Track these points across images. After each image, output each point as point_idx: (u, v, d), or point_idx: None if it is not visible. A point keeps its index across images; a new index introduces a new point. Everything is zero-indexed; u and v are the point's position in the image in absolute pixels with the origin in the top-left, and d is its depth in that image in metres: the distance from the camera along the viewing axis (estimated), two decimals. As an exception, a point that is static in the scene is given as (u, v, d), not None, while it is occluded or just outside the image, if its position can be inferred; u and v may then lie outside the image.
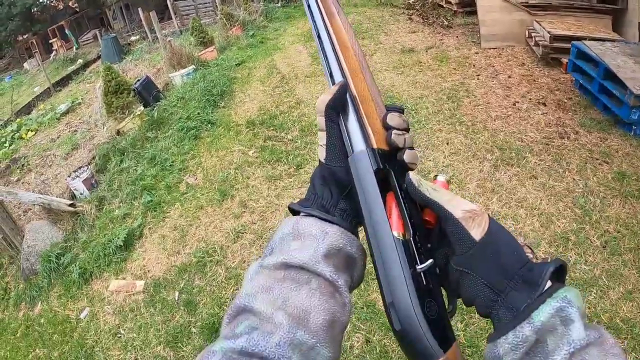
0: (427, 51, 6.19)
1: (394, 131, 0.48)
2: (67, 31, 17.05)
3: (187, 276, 3.17)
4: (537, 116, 4.15)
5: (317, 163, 0.51)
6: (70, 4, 20.43)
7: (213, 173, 4.25)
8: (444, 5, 8.53)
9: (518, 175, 3.36)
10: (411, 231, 0.45)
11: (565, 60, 5.05)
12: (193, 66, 7.28)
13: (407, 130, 0.49)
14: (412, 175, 0.46)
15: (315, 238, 0.45)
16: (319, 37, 0.55)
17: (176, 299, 3.04)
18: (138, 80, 6.41)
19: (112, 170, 4.65)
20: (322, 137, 0.49)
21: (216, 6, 12.06)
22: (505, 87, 4.77)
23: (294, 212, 0.50)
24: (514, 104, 4.40)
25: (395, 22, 8.30)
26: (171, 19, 13.71)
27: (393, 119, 0.49)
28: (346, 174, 0.47)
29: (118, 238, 3.54)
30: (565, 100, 4.41)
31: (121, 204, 4.16)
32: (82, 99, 8.87)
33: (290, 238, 0.46)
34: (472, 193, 3.21)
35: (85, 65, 13.25)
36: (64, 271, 3.60)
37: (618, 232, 2.81)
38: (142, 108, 5.80)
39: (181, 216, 3.78)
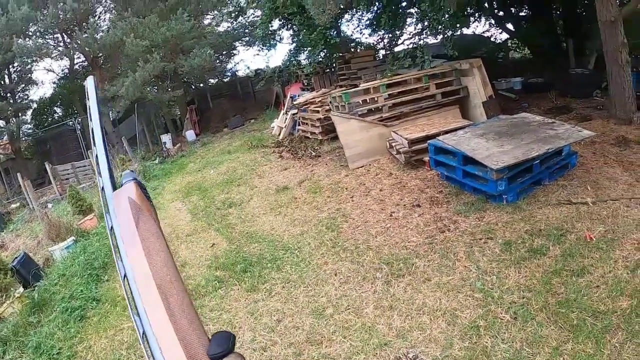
0: (300, 185, 7.15)
1: None
2: (-60, 198, 17.53)
3: None
4: (415, 219, 4.93)
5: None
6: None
7: (104, 357, 4.18)
8: (310, 137, 9.94)
9: (412, 284, 3.88)
10: None
11: (426, 158, 6.17)
12: (73, 238, 7.66)
13: None
14: None
15: None
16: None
17: None
18: (16, 258, 6.65)
19: (-5, 364, 4.49)
20: None
21: (93, 170, 12.99)
22: (379, 201, 5.63)
23: None
24: (391, 215, 5.20)
25: (267, 162, 9.57)
26: (52, 182, 14.60)
27: None
28: None
29: None
30: (437, 195, 5.32)
31: (6, 406, 3.89)
32: (-43, 275, 8.62)
33: None
34: (372, 317, 3.59)
35: (-37, 235, 13.55)
36: None
37: (523, 297, 3.38)
38: (21, 290, 5.93)
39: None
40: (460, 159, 5.25)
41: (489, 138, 5.58)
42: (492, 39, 16.01)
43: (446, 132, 6.32)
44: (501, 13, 13.30)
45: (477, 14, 13.57)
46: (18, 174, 13.55)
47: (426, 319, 3.43)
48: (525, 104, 9.07)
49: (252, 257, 5.16)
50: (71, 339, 4.70)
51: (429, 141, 6.01)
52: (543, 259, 3.75)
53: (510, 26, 13.47)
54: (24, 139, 22.22)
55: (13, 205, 15.37)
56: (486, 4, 12.56)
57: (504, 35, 15.22)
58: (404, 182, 6.05)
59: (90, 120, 0.81)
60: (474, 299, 3.50)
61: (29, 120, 22.79)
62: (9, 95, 19.79)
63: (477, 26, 15.25)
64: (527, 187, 5.04)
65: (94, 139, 0.80)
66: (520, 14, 13.52)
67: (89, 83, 0.86)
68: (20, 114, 20.21)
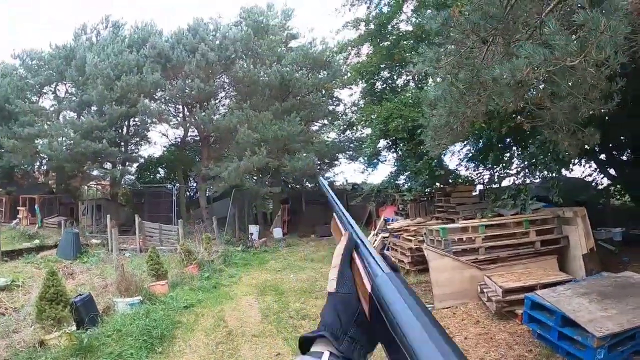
0: (377, 321, 7.01)
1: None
2: (36, 206, 19.97)
3: None
4: (498, 380, 4.70)
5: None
6: (50, 182, 24.03)
7: None
8: (397, 265, 9.95)
9: None
10: None
11: (519, 311, 6.01)
12: (140, 297, 7.88)
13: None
14: None
15: None
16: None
17: None
18: (79, 295, 6.88)
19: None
20: (333, 273, 0.69)
21: (178, 239, 13.99)
22: (461, 351, 5.42)
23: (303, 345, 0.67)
24: (472, 370, 4.99)
25: (350, 281, 9.49)
26: (135, 234, 15.82)
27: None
28: (355, 300, 0.66)
29: None
30: (526, 354, 5.14)
31: None
32: (23, 282, 9.48)
33: None
34: None
35: (41, 248, 15.14)
36: None
37: None
38: (73, 328, 6.04)
39: None
40: (559, 319, 5.04)
41: (591, 299, 5.34)
42: (593, 183, 15.51)
43: (544, 286, 6.16)
44: (603, 156, 13.02)
45: (579, 157, 13.37)
46: (108, 216, 14.77)
47: None
48: (626, 259, 8.63)
49: (316, 380, 5.11)
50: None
51: (526, 294, 5.83)
52: None
53: (612, 171, 13.09)
54: (123, 186, 24.83)
55: (94, 241, 16.45)
56: (587, 147, 12.37)
57: (605, 180, 14.68)
58: (491, 334, 5.86)
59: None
60: None
61: (132, 172, 25.26)
62: (122, 144, 22.44)
63: (581, 170, 14.77)
64: (627, 356, 4.72)
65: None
66: (622, 157, 13.15)
67: (322, 180, 1.21)
68: (127, 164, 22.80)
